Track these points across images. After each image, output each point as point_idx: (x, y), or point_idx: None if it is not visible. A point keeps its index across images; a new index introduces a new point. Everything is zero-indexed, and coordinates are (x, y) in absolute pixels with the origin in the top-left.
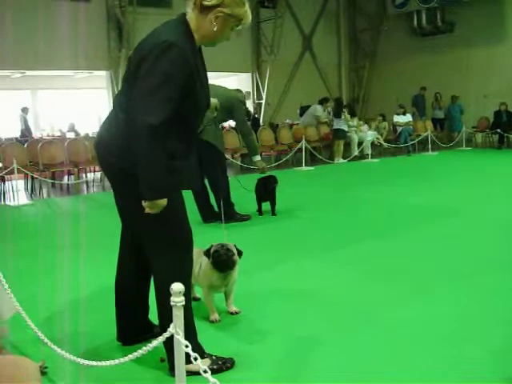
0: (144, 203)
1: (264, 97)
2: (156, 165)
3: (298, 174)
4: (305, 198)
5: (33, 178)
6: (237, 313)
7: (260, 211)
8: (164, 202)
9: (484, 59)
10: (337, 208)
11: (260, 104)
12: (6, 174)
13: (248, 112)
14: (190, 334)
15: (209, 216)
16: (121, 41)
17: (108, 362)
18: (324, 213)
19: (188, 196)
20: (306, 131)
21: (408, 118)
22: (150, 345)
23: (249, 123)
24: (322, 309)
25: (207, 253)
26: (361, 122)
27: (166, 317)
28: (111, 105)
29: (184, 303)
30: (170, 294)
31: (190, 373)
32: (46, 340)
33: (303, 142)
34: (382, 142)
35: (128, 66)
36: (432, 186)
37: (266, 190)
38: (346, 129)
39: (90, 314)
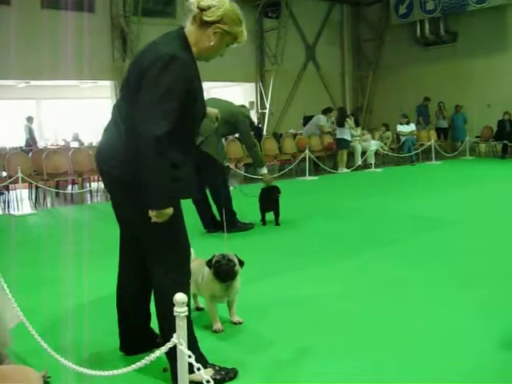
0: (151, 213)
1: (268, 106)
2: (163, 174)
3: (301, 184)
4: (308, 207)
5: (37, 187)
6: (240, 323)
7: (264, 221)
8: (170, 210)
9: (487, 69)
10: (340, 217)
11: (264, 113)
12: (10, 183)
13: (252, 123)
14: (192, 343)
15: (210, 225)
16: (125, 51)
17: (111, 372)
18: (328, 222)
19: (190, 207)
20: (310, 141)
21: (411, 127)
22: (152, 355)
23: (252, 133)
24: (326, 319)
25: (209, 263)
26: (364, 132)
27: (166, 327)
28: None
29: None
30: (170, 305)
31: (193, 383)
32: (49, 349)
33: (307, 151)
34: (388, 151)
35: (126, 77)
36: (436, 195)
37: (269, 200)
38: (349, 138)
39: (93, 324)
